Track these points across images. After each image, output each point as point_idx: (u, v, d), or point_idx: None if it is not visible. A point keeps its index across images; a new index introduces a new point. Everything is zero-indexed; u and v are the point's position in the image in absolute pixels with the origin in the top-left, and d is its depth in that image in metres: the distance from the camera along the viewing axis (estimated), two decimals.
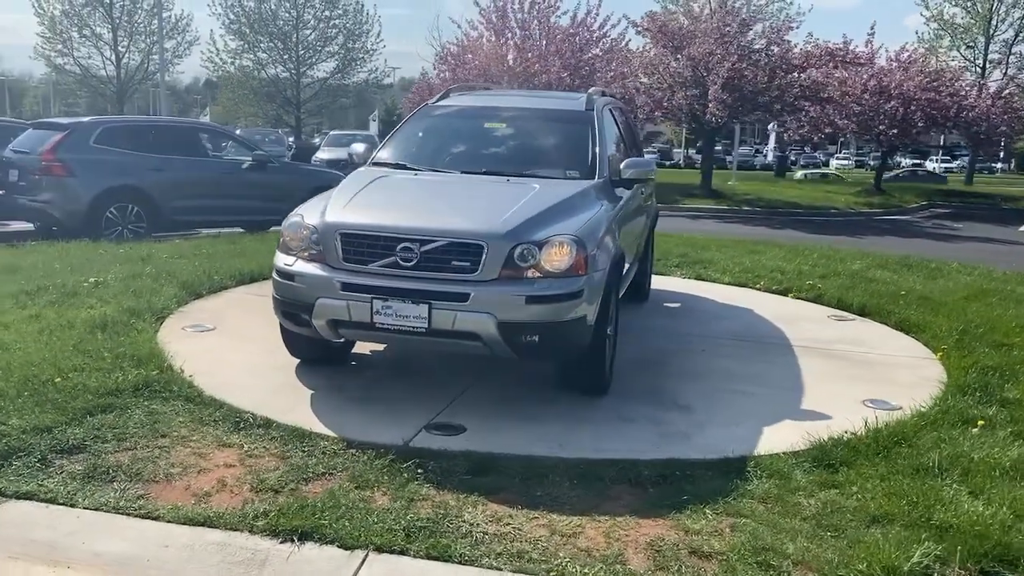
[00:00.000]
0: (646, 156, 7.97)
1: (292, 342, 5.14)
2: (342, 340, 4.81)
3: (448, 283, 4.30)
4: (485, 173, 5.35)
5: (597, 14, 28.75)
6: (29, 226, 11.51)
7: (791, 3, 22.79)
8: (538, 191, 4.95)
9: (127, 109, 44.85)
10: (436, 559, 3.19)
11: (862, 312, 7.54)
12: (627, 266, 5.58)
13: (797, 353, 6.15)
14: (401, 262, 4.36)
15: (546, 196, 4.86)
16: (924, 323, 6.86)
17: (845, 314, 7.57)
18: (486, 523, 3.45)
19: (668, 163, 53.59)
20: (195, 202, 11.36)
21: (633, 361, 5.73)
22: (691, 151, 54.92)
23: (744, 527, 3.43)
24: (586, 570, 3.13)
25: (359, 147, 5.98)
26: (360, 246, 4.44)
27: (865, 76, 25.47)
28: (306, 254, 4.59)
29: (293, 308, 4.61)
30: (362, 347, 5.67)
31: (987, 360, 5.71)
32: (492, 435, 4.29)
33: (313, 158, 23.95)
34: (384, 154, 5.85)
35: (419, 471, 3.83)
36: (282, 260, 4.69)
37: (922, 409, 4.77)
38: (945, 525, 3.38)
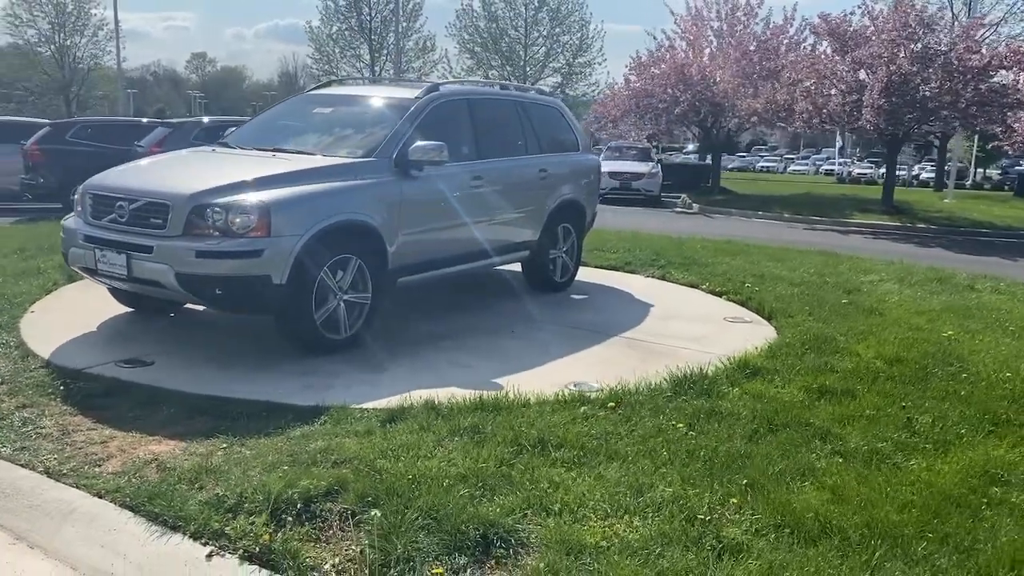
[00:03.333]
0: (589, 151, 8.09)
1: (112, 292, 6.08)
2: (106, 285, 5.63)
3: (143, 237, 5.00)
4: (274, 150, 5.93)
5: (792, 20, 27.68)
6: None
7: None
8: (285, 164, 5.49)
9: None
10: None
11: (771, 315, 7.10)
12: (403, 245, 5.76)
13: (608, 343, 6.09)
14: (118, 218, 5.13)
15: (283, 168, 5.38)
16: (798, 327, 6.41)
17: (748, 315, 7.21)
18: (51, 428, 4.14)
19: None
20: None
21: (435, 332, 6.11)
22: (989, 170, 47.28)
23: (231, 453, 3.81)
24: (59, 465, 3.72)
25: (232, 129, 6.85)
26: (98, 204, 5.30)
27: None
28: (77, 211, 5.52)
29: (64, 257, 5.55)
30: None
31: (770, 363, 5.37)
32: (165, 372, 4.92)
33: None
34: (230, 134, 6.63)
35: (62, 388, 4.59)
36: (66, 216, 5.65)
37: (596, 392, 4.71)
38: (383, 471, 3.54)
